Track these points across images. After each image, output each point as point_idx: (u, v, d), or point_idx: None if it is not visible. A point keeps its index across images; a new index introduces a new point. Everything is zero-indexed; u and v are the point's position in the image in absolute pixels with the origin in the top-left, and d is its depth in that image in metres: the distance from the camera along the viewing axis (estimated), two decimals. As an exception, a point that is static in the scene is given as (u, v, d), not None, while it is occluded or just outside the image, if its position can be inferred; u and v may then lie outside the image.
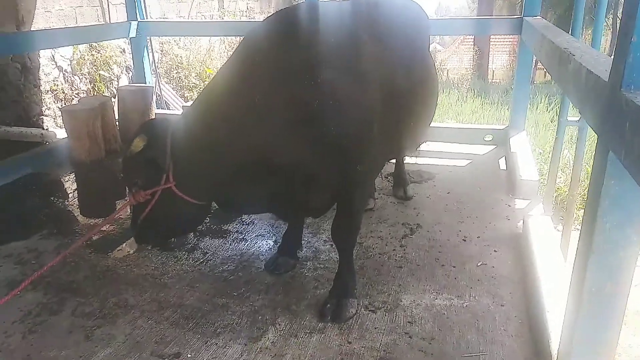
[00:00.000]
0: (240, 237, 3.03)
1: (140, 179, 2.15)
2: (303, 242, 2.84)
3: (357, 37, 2.14)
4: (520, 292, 2.44)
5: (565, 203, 4.39)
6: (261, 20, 2.30)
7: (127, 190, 2.31)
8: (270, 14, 2.26)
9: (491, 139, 4.65)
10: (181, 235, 2.83)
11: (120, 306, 2.39)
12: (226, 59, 2.18)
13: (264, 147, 2.01)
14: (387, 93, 2.13)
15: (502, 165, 4.15)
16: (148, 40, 5.73)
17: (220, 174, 2.11)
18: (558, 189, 5.33)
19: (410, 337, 2.15)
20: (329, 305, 2.29)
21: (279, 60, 1.98)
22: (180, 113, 5.63)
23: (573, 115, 3.50)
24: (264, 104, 1.95)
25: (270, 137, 1.99)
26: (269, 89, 1.96)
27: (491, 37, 18.28)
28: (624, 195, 1.39)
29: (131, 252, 2.89)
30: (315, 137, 1.98)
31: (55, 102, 5.76)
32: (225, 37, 9.10)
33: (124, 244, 2.98)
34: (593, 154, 1.48)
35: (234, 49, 2.15)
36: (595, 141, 1.50)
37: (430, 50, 2.93)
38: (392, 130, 2.25)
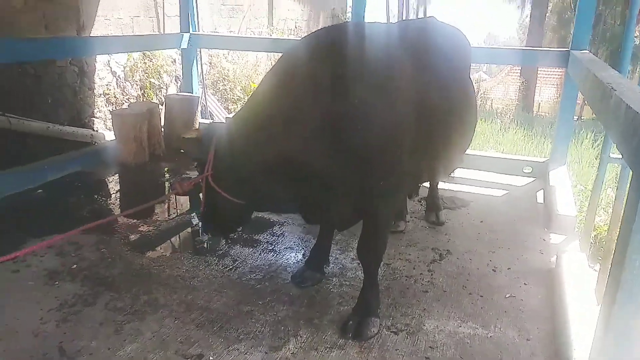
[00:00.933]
0: (270, 247, 3.09)
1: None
2: (331, 258, 2.87)
3: (393, 58, 2.20)
4: (548, 327, 2.39)
5: (604, 242, 4.26)
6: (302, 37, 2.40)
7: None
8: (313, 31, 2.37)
9: (530, 171, 4.58)
10: (231, 231, 2.88)
11: (150, 304, 2.48)
12: (270, 69, 2.29)
13: (294, 155, 2.08)
14: (420, 115, 2.16)
15: (540, 199, 4.08)
16: (198, 52, 5.95)
17: (253, 174, 2.21)
18: (598, 227, 5.18)
19: (430, 361, 2.14)
20: (351, 322, 2.31)
21: (314, 75, 2.07)
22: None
23: (617, 152, 3.43)
24: (297, 114, 2.04)
25: (301, 146, 2.06)
26: (302, 101, 2.05)
27: (539, 69, 18.03)
28: (656, 234, 1.36)
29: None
30: (342, 149, 2.04)
31: (107, 105, 6.03)
32: (271, 53, 9.33)
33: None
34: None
35: (278, 59, 2.25)
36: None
37: (470, 77, 2.94)
38: (423, 153, 2.28)
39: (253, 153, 2.16)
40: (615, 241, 1.55)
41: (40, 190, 3.89)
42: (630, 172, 1.53)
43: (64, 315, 2.37)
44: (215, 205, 2.42)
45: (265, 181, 2.20)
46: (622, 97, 1.74)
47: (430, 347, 2.23)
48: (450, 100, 2.41)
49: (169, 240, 3.28)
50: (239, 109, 2.39)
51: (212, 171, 2.34)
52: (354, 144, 2.02)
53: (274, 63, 2.28)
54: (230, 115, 5.92)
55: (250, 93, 2.35)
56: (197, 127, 2.39)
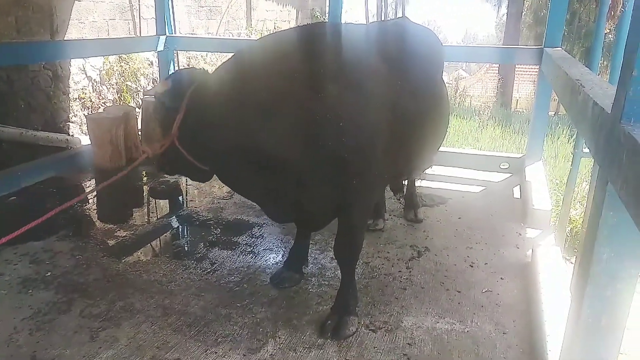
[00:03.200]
0: (249, 249, 3.08)
1: (156, 122, 2.20)
2: (309, 257, 2.86)
3: (368, 58, 2.22)
4: (523, 321, 2.42)
5: (579, 235, 4.33)
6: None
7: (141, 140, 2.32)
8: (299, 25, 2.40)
9: (507, 167, 4.63)
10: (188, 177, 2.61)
11: (126, 310, 2.45)
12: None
13: (264, 140, 2.04)
14: (394, 115, 2.18)
15: (517, 194, 4.13)
16: (175, 54, 5.90)
17: (218, 147, 2.12)
18: (574, 221, 5.26)
19: (408, 358, 2.15)
20: (329, 322, 2.31)
21: (295, 67, 2.06)
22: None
23: (589, 147, 3.49)
24: (272, 102, 2.02)
25: (271, 133, 2.02)
26: (280, 91, 2.02)
27: (516, 66, 18.26)
28: (622, 227, 1.39)
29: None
30: (314, 146, 2.03)
31: (83, 109, 5.94)
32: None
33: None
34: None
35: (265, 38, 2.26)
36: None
37: (442, 77, 2.96)
38: (396, 152, 2.29)
39: (228, 129, 2.07)
40: (583, 236, 1.58)
41: (13, 197, 3.81)
42: (598, 167, 1.56)
43: (38, 324, 2.33)
44: (175, 158, 2.25)
45: (235, 161, 2.13)
46: (590, 94, 1.77)
47: (408, 343, 2.24)
48: (423, 100, 2.43)
49: (146, 245, 3.24)
50: (226, 61, 2.23)
51: (178, 132, 2.15)
52: (328, 142, 2.02)
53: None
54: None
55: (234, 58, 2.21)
56: (163, 83, 2.16)
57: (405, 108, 2.25)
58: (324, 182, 2.13)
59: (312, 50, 2.14)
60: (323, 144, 2.02)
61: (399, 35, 2.63)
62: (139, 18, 6.89)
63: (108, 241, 3.17)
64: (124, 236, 3.26)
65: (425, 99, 2.48)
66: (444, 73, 3.06)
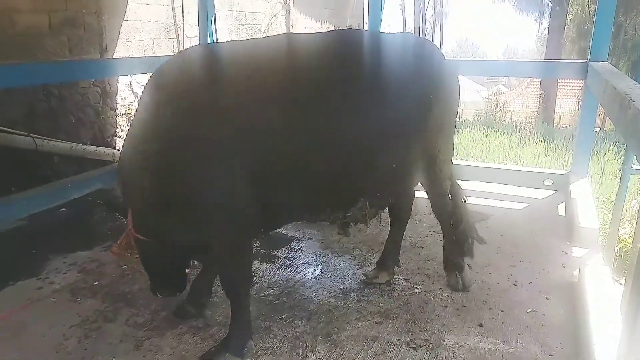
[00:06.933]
0: (288, 263, 3.10)
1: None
2: (349, 272, 2.86)
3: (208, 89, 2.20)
4: (571, 343, 2.34)
5: (629, 255, 4.16)
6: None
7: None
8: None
9: (551, 184, 4.51)
10: (179, 281, 2.49)
11: (169, 320, 2.50)
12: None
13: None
14: (268, 145, 2.04)
15: (561, 211, 4.01)
16: (217, 71, 6.03)
17: (158, 210, 2.13)
18: (622, 240, 5.06)
19: (450, 378, 2.11)
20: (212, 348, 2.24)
21: (151, 115, 2.18)
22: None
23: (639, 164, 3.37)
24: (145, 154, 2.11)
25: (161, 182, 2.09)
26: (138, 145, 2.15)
27: (559, 81, 17.85)
28: (678, 246, 1.34)
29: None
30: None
31: (129, 125, 6.16)
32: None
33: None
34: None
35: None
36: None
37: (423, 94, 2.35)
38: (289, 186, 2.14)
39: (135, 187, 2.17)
40: (637, 255, 1.52)
41: (63, 209, 3.97)
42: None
43: (86, 332, 2.41)
44: (152, 259, 2.35)
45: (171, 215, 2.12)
46: (640, 108, 1.72)
47: (450, 363, 2.20)
48: (345, 124, 2.14)
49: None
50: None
51: (132, 224, 2.25)
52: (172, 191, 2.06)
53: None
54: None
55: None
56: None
57: (291, 138, 2.08)
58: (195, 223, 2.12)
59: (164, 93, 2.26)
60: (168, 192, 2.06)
61: (326, 46, 2.33)
62: (183, 36, 7.11)
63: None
64: (167, 248, 3.33)
65: (353, 121, 2.15)
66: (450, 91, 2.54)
